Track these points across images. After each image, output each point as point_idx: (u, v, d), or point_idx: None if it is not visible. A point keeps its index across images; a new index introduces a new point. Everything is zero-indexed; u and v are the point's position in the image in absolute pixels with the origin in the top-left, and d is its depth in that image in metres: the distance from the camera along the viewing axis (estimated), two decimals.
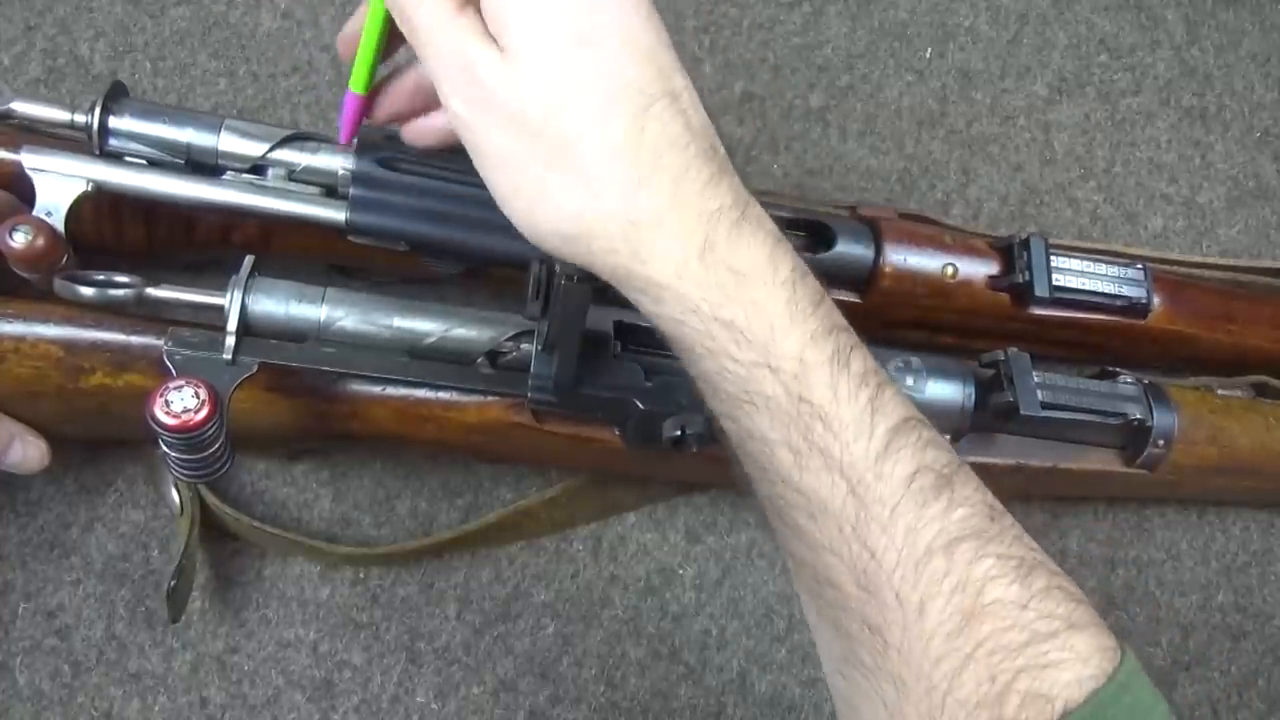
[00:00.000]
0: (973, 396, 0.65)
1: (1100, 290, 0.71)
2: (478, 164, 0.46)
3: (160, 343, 0.56)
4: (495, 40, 0.44)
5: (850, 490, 0.43)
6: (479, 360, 0.60)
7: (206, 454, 0.51)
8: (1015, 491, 0.69)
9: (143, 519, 0.67)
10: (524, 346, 0.60)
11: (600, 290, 0.50)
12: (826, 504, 0.43)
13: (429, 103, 0.53)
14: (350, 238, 0.61)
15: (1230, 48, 0.94)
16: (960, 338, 0.73)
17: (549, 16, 0.43)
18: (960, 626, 0.41)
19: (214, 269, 0.66)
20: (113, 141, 0.59)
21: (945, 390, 0.64)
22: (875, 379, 0.45)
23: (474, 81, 0.44)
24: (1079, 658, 0.41)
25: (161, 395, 0.50)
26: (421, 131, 0.54)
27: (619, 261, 0.44)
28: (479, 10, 0.45)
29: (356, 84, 0.53)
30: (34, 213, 0.57)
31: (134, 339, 0.57)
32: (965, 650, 0.41)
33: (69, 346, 0.57)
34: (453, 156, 0.61)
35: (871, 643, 0.43)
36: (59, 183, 0.57)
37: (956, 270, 0.70)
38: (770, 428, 0.44)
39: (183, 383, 0.50)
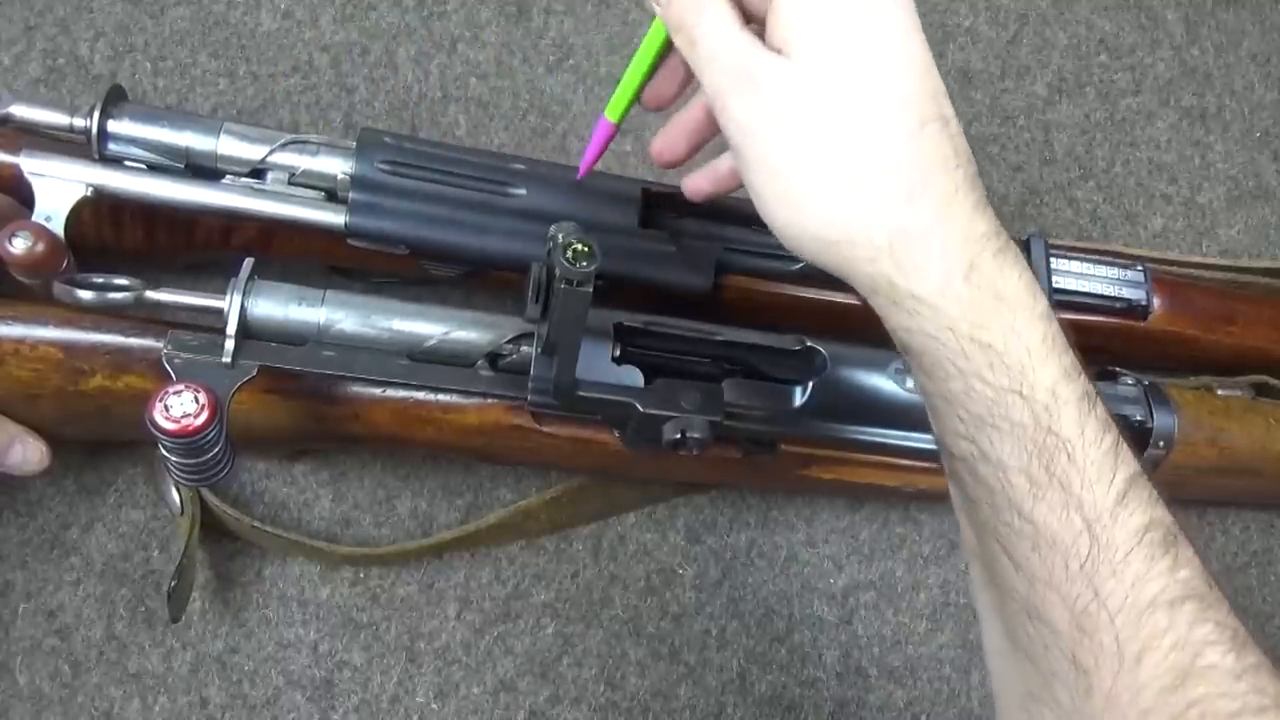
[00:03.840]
0: None
1: (1100, 292, 0.71)
2: (746, 170, 0.47)
3: (160, 345, 0.56)
4: (778, 52, 0.46)
5: (1086, 529, 0.43)
6: (479, 363, 0.60)
7: (206, 458, 0.51)
8: None
9: (143, 519, 0.67)
10: (524, 349, 0.60)
11: (600, 293, 0.50)
12: (1056, 538, 0.43)
13: (703, 138, 0.56)
14: (350, 241, 0.61)
15: (1230, 48, 0.94)
16: None
17: (835, 31, 0.45)
18: (1175, 684, 0.41)
19: (213, 271, 0.66)
20: (112, 146, 0.59)
21: None
22: (1114, 429, 0.45)
23: (755, 86, 0.45)
24: None
25: (161, 400, 0.50)
26: (698, 185, 0.57)
27: (878, 271, 0.45)
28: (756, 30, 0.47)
29: (613, 113, 0.54)
30: (34, 218, 0.57)
31: (133, 341, 0.57)
32: (1176, 709, 0.41)
33: (69, 349, 0.57)
34: (452, 160, 0.62)
35: (1076, 683, 0.43)
36: (58, 187, 0.57)
37: None
38: (1011, 454, 0.44)
39: (182, 387, 0.50)
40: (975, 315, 0.44)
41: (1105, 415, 0.45)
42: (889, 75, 0.45)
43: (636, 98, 0.54)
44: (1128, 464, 0.44)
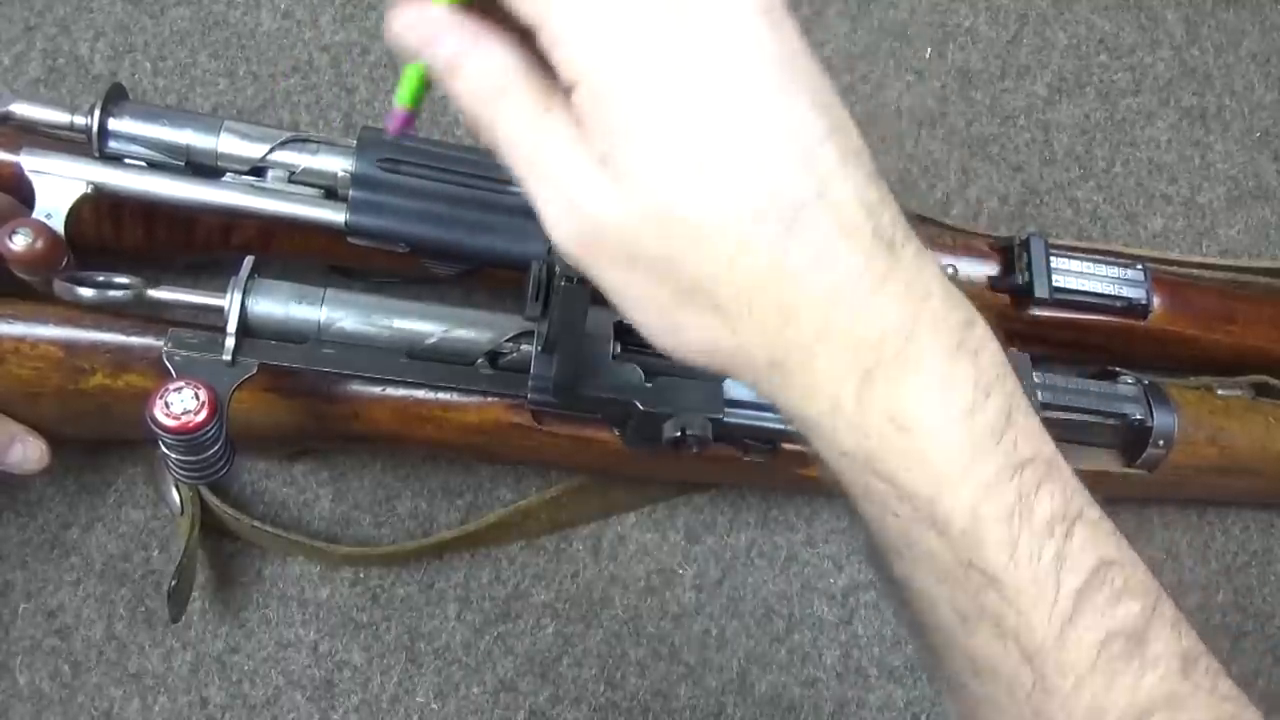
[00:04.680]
0: None
1: (1100, 291, 0.71)
2: (606, 295, 0.39)
3: (160, 343, 0.56)
4: (595, 149, 0.36)
5: (1025, 659, 0.37)
6: (479, 361, 0.60)
7: (206, 455, 0.51)
8: None
9: (143, 519, 0.67)
10: (524, 347, 0.60)
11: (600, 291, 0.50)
12: (996, 669, 0.38)
13: None
14: (350, 239, 0.61)
15: (1230, 48, 0.94)
16: None
17: (661, 124, 0.35)
18: None
19: (214, 270, 0.66)
20: (112, 143, 0.59)
21: None
22: (1063, 524, 0.38)
23: (581, 216, 0.36)
24: None
25: (161, 397, 0.50)
26: None
27: (764, 390, 0.39)
28: (566, 105, 0.36)
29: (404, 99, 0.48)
30: (34, 215, 0.57)
31: (134, 340, 0.57)
32: None
33: (69, 347, 0.57)
34: (453, 158, 0.62)
35: None
36: (59, 185, 0.57)
37: (956, 271, 0.70)
38: (934, 587, 0.39)
39: (182, 384, 0.50)
40: (870, 443, 0.37)
41: (1049, 513, 0.38)
42: (740, 177, 0.35)
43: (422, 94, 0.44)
44: (1080, 568, 0.38)
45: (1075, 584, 0.37)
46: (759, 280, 0.36)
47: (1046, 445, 0.39)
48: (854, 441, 0.37)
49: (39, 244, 0.54)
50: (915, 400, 0.37)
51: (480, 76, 0.37)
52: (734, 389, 0.61)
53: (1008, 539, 0.37)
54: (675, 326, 0.38)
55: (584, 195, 0.36)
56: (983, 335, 0.39)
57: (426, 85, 0.41)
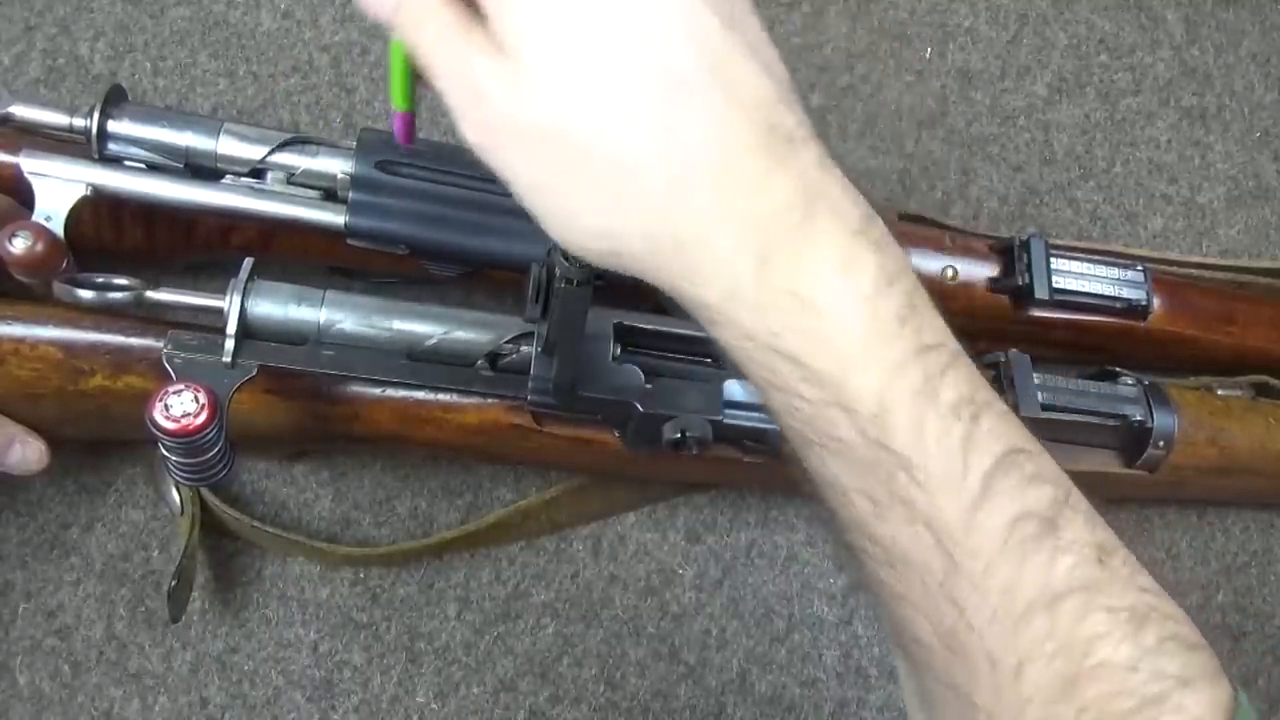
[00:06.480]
0: None
1: (1100, 292, 0.71)
2: (509, 187, 0.41)
3: (160, 345, 0.56)
4: (506, 58, 0.38)
5: (936, 543, 0.37)
6: (479, 362, 0.60)
7: (206, 458, 0.51)
8: None
9: (143, 519, 0.67)
10: (524, 349, 0.60)
11: (600, 292, 0.50)
12: (908, 556, 0.38)
13: None
14: (349, 241, 0.61)
15: (1230, 48, 0.94)
16: (960, 339, 0.73)
17: (557, 16, 0.38)
18: (1062, 692, 0.37)
19: (213, 271, 0.66)
20: (112, 145, 0.59)
21: None
22: (970, 408, 0.38)
23: (482, 100, 0.39)
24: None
25: (161, 400, 0.50)
26: None
27: (663, 279, 0.39)
28: (488, 31, 0.39)
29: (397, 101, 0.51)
30: (34, 217, 0.57)
31: (133, 341, 0.57)
32: (1066, 718, 0.37)
33: (69, 349, 0.57)
34: (452, 160, 0.62)
35: (959, 709, 0.39)
36: (58, 187, 0.57)
37: (956, 273, 0.70)
38: (845, 473, 0.39)
39: (182, 387, 0.50)
40: (773, 322, 0.38)
41: (955, 396, 0.38)
42: (622, 49, 0.37)
43: (412, 85, 0.47)
44: (988, 450, 0.38)
45: (984, 466, 0.38)
46: (646, 147, 0.37)
47: (950, 339, 0.39)
48: (755, 321, 0.38)
49: (39, 247, 0.54)
50: (816, 278, 0.37)
51: (413, 9, 0.40)
52: (733, 391, 0.61)
53: (915, 419, 0.37)
54: (572, 211, 0.39)
55: (489, 86, 0.38)
56: (885, 233, 0.39)
57: (413, 82, 0.45)
